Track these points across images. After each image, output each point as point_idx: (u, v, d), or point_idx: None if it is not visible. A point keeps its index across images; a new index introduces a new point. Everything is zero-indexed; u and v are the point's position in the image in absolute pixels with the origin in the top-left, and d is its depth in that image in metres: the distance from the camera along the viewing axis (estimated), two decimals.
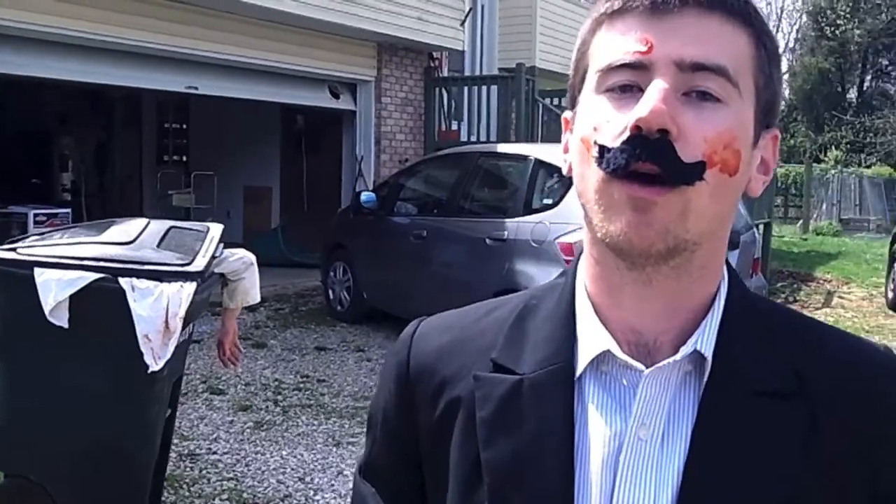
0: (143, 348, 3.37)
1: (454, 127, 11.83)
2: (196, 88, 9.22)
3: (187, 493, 4.35)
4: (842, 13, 26.83)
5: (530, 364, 0.85)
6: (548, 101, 11.58)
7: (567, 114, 0.86)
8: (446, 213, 7.57)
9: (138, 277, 3.42)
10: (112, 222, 3.87)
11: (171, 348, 3.45)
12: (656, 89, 0.74)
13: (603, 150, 0.76)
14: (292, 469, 4.77)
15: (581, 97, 0.82)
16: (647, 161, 0.74)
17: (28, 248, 3.50)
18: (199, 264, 3.57)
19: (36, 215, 8.62)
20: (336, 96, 10.99)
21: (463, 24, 11.52)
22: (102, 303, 3.37)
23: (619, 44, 0.78)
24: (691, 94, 0.76)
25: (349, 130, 11.39)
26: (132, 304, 3.37)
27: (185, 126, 13.72)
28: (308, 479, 4.64)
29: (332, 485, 4.58)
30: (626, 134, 0.75)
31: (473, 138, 11.24)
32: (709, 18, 0.77)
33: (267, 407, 5.81)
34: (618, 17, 0.79)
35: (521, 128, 11.01)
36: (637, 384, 0.80)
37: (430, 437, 0.89)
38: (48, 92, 11.65)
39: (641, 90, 0.76)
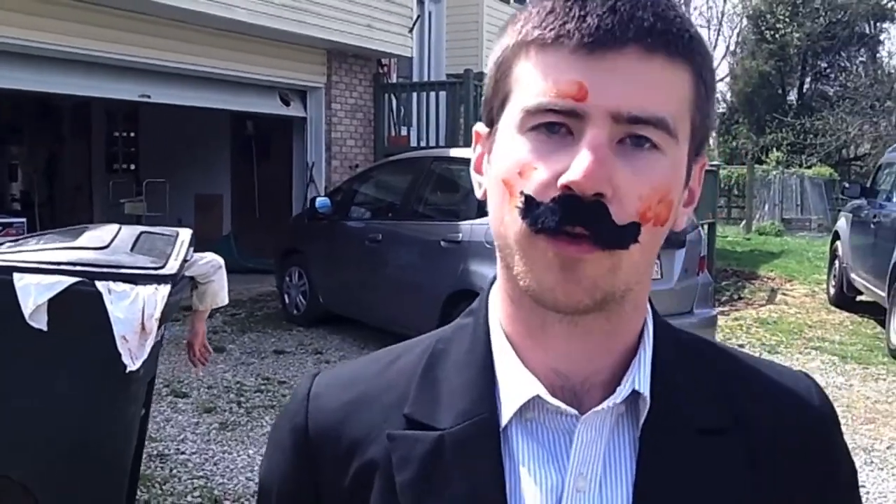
0: (120, 349, 3.50)
1: (404, 132, 12.03)
2: (149, 97, 9.29)
3: (159, 492, 4.47)
4: (781, 17, 27.57)
5: (449, 417, 0.78)
6: None
7: (480, 127, 0.80)
8: (400, 217, 7.76)
9: (114, 281, 3.54)
10: (85, 228, 3.99)
11: (148, 348, 3.58)
12: (591, 146, 0.69)
13: (530, 202, 0.71)
14: (259, 468, 4.90)
15: (501, 126, 0.75)
16: (579, 225, 0.69)
17: (5, 254, 3.60)
18: (171, 267, 3.71)
19: None
20: (286, 103, 11.11)
21: (411, 31, 11.72)
22: (80, 306, 3.49)
23: (548, 83, 0.70)
24: (625, 140, 0.71)
25: (299, 137, 11.52)
26: (109, 307, 3.50)
27: (133, 134, 13.70)
28: None
29: None
30: (556, 191, 0.70)
31: (423, 143, 11.44)
32: (650, 61, 0.70)
33: (231, 408, 5.93)
34: (549, 49, 0.71)
35: (469, 133, 11.21)
36: (567, 430, 0.76)
37: None
38: None
39: (570, 132, 0.70)
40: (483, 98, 0.80)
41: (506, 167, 0.73)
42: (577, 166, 0.68)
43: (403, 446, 0.78)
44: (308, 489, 0.82)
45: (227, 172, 12.97)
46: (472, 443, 0.76)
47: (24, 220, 8.93)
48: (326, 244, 8.37)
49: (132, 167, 13.65)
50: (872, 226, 9.26)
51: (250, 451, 5.13)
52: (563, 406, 0.76)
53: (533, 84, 0.72)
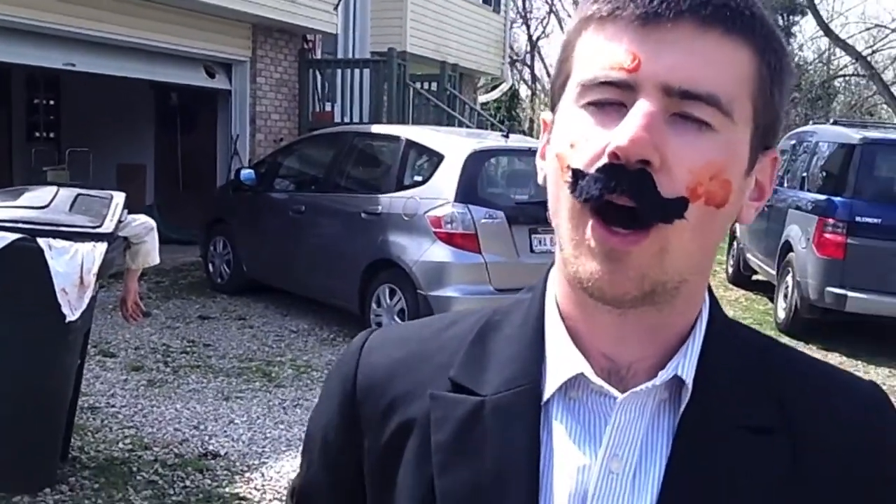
0: (60, 300, 3.79)
1: (328, 108, 12.27)
2: (73, 65, 9.35)
3: (92, 440, 4.74)
4: None
5: (493, 385, 0.78)
6: (418, 84, 12.17)
7: (547, 115, 0.80)
8: (323, 190, 8.07)
9: (55, 238, 3.82)
10: (24, 189, 4.24)
11: (86, 301, 3.88)
12: (640, 113, 0.68)
13: (577, 175, 0.70)
14: (186, 419, 5.22)
15: (561, 104, 0.75)
16: (623, 195, 0.68)
17: None
18: (108, 226, 4.00)
19: None
20: (212, 76, 11.25)
21: (336, 7, 11.95)
22: (22, 260, 3.76)
23: (603, 55, 0.71)
24: (678, 116, 0.69)
25: (224, 109, 11.66)
26: (50, 262, 3.78)
27: (54, 102, 13.61)
28: (202, 427, 5.11)
29: (225, 431, 5.06)
30: (603, 160, 0.69)
31: (347, 119, 11.73)
32: (705, 34, 0.69)
33: (158, 367, 6.20)
34: (606, 22, 0.71)
35: (392, 110, 11.57)
36: (608, 413, 0.75)
37: (376, 462, 0.82)
38: None
39: (626, 106, 0.69)
40: (551, 82, 0.80)
41: (561, 142, 0.73)
42: (623, 130, 0.67)
43: (444, 407, 0.79)
44: (352, 441, 0.84)
45: (150, 143, 13.01)
46: (512, 412, 0.77)
47: None
48: (251, 215, 8.62)
49: (52, 136, 13.57)
50: (766, 209, 9.91)
51: (177, 406, 5.43)
52: (606, 386, 0.75)
53: (588, 58, 0.72)
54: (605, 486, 0.74)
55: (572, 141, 0.71)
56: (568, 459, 0.75)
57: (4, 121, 13.30)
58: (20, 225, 3.79)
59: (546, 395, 0.77)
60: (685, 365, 0.75)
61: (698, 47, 0.68)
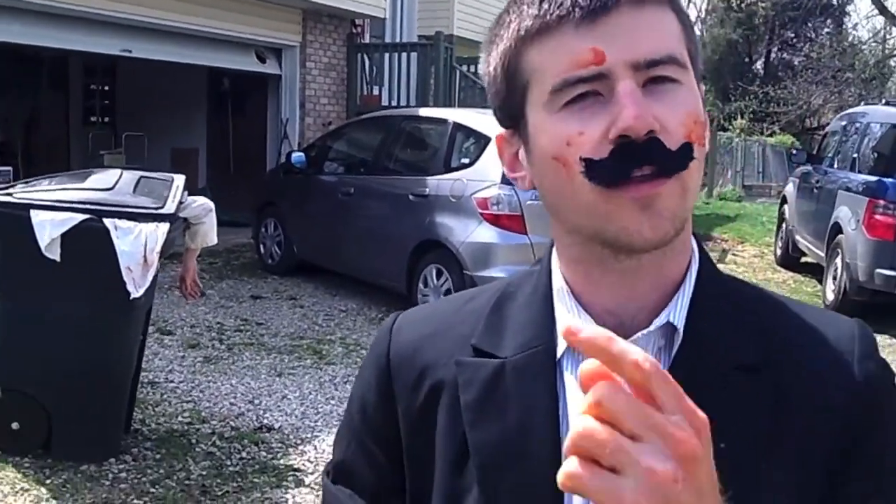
0: (125, 278, 3.97)
1: (375, 92, 12.40)
2: (130, 52, 9.61)
3: (152, 413, 4.95)
4: None
5: (511, 348, 0.86)
6: (465, 68, 12.25)
7: (501, 132, 0.86)
8: (372, 172, 8.21)
9: (120, 218, 4.00)
10: (90, 172, 4.44)
11: (149, 279, 4.06)
12: (628, 94, 0.75)
13: (590, 164, 0.76)
14: (241, 395, 5.41)
15: (531, 117, 0.80)
16: (645, 165, 0.75)
17: (21, 194, 4.04)
18: (170, 207, 4.17)
19: None
20: (262, 61, 11.45)
21: None
22: (89, 240, 3.95)
23: (565, 58, 0.76)
24: (646, 84, 0.76)
25: (274, 94, 11.86)
26: (115, 241, 3.96)
27: (110, 88, 13.94)
28: (257, 401, 5.29)
29: (279, 406, 5.24)
30: (610, 144, 0.75)
31: (394, 103, 11.84)
32: (642, 10, 0.77)
33: (213, 345, 6.41)
34: (548, 33, 0.77)
35: (439, 93, 11.66)
36: None
37: (412, 426, 0.90)
38: None
39: (601, 94, 0.76)
40: (493, 103, 0.86)
41: (553, 145, 0.78)
42: (626, 114, 0.74)
43: (469, 370, 0.86)
44: (388, 410, 0.91)
45: (202, 127, 13.29)
46: (530, 370, 0.84)
47: (9, 168, 9.26)
48: (301, 197, 8.80)
49: (108, 120, 13.91)
50: (815, 191, 9.84)
51: (233, 381, 5.62)
52: None
53: (551, 66, 0.77)
54: None
55: (567, 139, 0.76)
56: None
57: (62, 106, 13.67)
58: (87, 206, 3.98)
59: (559, 353, 0.84)
60: (676, 312, 0.82)
61: (642, 23, 0.76)
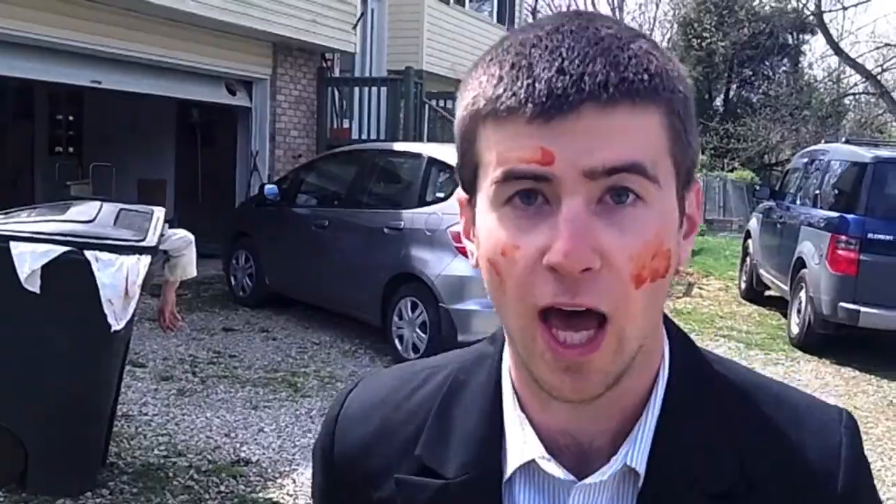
0: (106, 311, 3.95)
1: (345, 125, 12.48)
2: (100, 83, 9.58)
3: (128, 447, 4.90)
4: (708, 25, 28.56)
5: (455, 466, 0.79)
6: (434, 102, 12.37)
7: (461, 192, 0.78)
8: (346, 205, 8.24)
9: (101, 250, 3.99)
10: (70, 204, 4.42)
11: (131, 311, 4.04)
12: (568, 219, 0.66)
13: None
14: (217, 428, 5.37)
15: (478, 200, 0.73)
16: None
17: (1, 225, 4.01)
18: (151, 240, 4.17)
19: None
20: (233, 93, 11.47)
21: (354, 27, 12.17)
22: (70, 272, 3.93)
23: (512, 152, 0.67)
24: (605, 198, 0.67)
25: (244, 126, 11.88)
26: (97, 273, 3.95)
27: (75, 118, 13.86)
28: (233, 435, 5.26)
29: (255, 439, 5.22)
30: (544, 269, 0.67)
31: (364, 136, 11.92)
32: (611, 115, 0.66)
33: (186, 377, 6.36)
34: (504, 122, 0.68)
35: (409, 127, 11.76)
36: (572, 487, 0.76)
37: None
38: None
39: (547, 200, 0.67)
40: (456, 163, 0.77)
41: (488, 247, 0.71)
42: (557, 247, 0.65)
43: (409, 491, 0.81)
44: (338, 499, 0.90)
45: (171, 158, 13.25)
46: (474, 495, 0.78)
47: None
48: (274, 229, 8.80)
49: (74, 151, 13.81)
50: (779, 226, 10.06)
51: (208, 414, 5.58)
52: (557, 474, 0.75)
53: (499, 154, 0.68)
54: None
55: (502, 248, 0.69)
56: None
57: (27, 135, 13.54)
58: (68, 238, 3.96)
59: (507, 474, 0.78)
60: (634, 451, 0.75)
61: (606, 127, 0.66)
